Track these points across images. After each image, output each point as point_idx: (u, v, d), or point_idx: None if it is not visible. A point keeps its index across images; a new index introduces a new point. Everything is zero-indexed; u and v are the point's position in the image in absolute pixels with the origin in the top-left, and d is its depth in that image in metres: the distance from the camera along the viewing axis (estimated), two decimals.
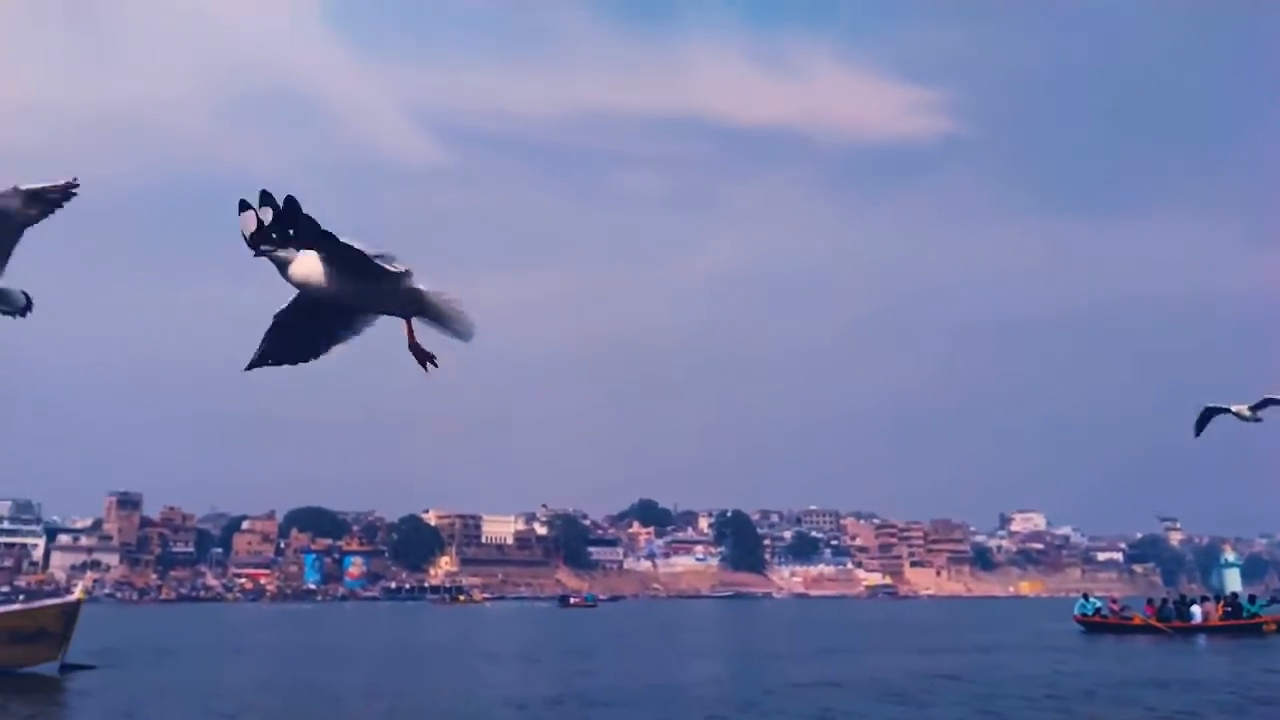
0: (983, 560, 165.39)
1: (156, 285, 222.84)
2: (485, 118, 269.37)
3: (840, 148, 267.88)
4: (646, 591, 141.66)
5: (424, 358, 4.81)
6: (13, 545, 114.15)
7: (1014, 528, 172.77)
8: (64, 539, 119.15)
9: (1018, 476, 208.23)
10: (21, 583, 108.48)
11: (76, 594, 19.09)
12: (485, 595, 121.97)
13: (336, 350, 5.35)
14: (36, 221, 5.49)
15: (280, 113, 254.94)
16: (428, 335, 4.70)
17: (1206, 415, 15.68)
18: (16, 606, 20.45)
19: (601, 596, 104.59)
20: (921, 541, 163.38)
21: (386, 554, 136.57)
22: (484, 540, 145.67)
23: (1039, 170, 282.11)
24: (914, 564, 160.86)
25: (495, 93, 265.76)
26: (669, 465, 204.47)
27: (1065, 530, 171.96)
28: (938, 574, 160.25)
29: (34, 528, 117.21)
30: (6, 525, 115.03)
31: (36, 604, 20.27)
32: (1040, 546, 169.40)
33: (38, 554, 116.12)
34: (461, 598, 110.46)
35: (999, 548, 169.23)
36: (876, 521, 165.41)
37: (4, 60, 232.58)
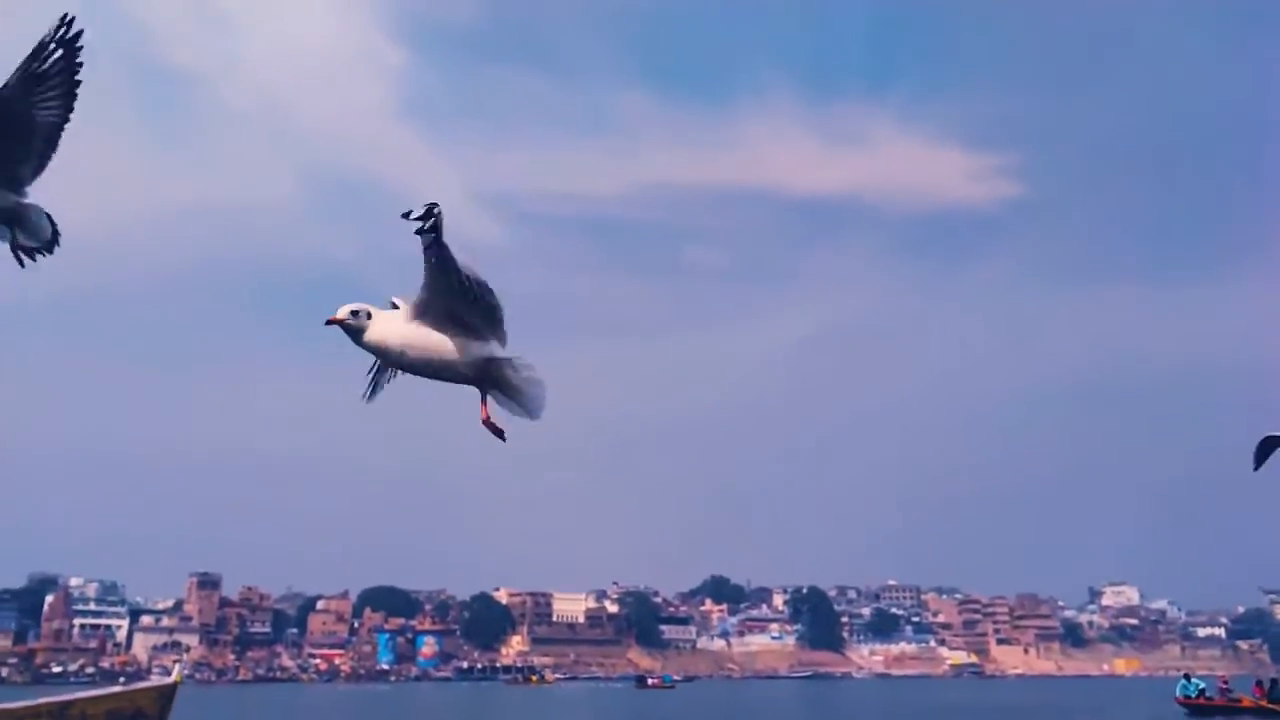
0: (1073, 637, 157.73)
1: (238, 372, 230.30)
2: (552, 198, 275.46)
3: (906, 215, 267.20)
4: (721, 671, 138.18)
5: (497, 433, 4.80)
6: (98, 627, 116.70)
7: (1105, 602, 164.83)
8: (146, 620, 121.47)
9: (1107, 548, 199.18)
10: (105, 664, 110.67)
11: (173, 677, 19.24)
12: (557, 675, 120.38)
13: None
14: (63, 120, 5.15)
15: (359, 201, 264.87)
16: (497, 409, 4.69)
17: (1267, 446, 14.31)
18: (116, 689, 20.66)
19: (676, 677, 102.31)
20: (1007, 617, 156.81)
21: (458, 633, 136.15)
22: (555, 619, 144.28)
23: (1109, 234, 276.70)
24: (1000, 641, 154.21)
25: (561, 173, 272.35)
26: (740, 540, 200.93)
27: (1161, 604, 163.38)
28: (1025, 651, 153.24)
29: (118, 609, 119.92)
30: (93, 607, 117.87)
31: (135, 686, 20.46)
32: (1135, 622, 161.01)
33: (121, 635, 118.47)
34: (534, 678, 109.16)
35: (1090, 623, 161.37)
36: (959, 597, 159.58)
37: (108, 158, 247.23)
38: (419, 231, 4.21)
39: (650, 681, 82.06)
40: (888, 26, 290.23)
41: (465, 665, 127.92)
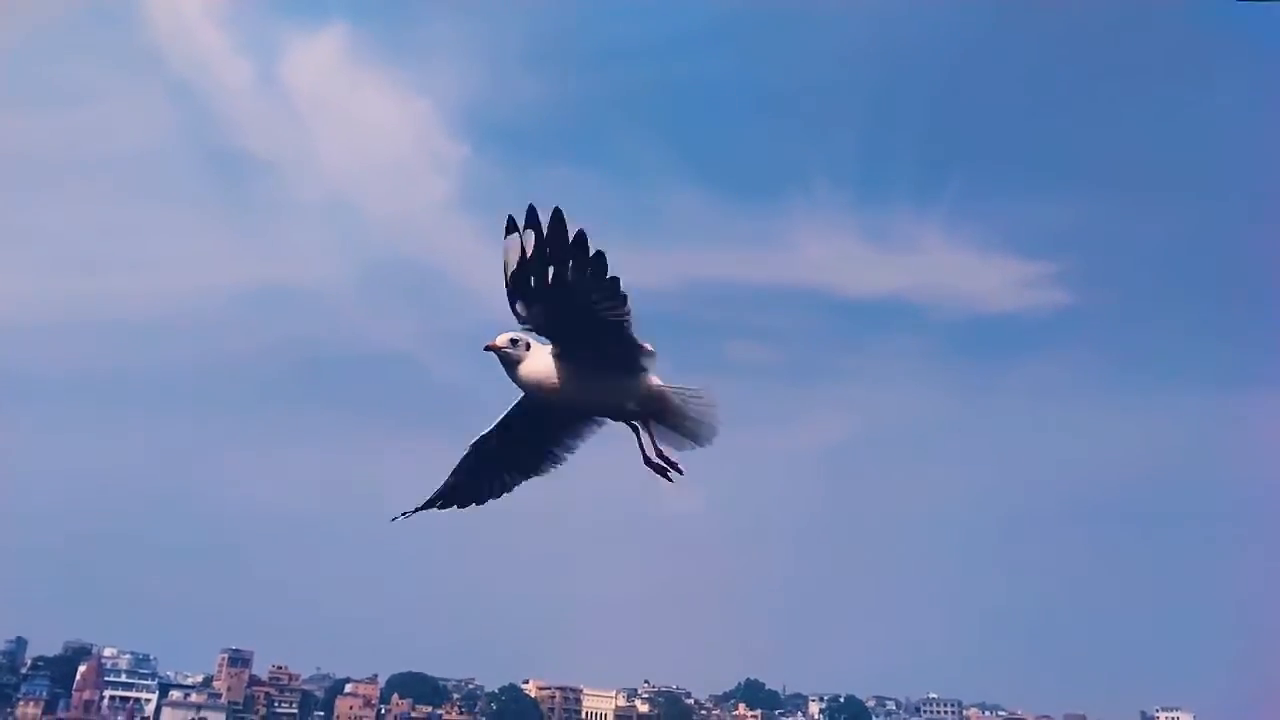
0: None
1: (285, 452, 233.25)
2: None
3: (951, 320, 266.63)
4: None
5: (665, 467, 4.57)
6: (127, 699, 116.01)
7: None
8: (175, 694, 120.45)
9: (1160, 669, 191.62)
10: None
11: None
12: None
13: (519, 484, 5.09)
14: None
15: (412, 288, 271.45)
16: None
17: None
18: None
19: None
20: None
21: None
22: (584, 715, 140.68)
23: (1161, 343, 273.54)
24: None
25: (612, 267, 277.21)
26: (777, 643, 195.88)
27: None
28: None
29: (149, 682, 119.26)
30: (124, 679, 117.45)
31: None
32: None
33: (150, 709, 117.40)
34: None
35: None
36: (1003, 714, 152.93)
37: (168, 241, 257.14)
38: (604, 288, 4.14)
39: None
40: (937, 132, 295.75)
41: None
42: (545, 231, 4.16)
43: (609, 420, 4.82)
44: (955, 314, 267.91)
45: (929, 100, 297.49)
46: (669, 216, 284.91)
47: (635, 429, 4.65)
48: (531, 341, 4.45)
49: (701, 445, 4.60)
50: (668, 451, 4.84)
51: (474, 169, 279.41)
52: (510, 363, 4.40)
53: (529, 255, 4.18)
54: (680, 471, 4.57)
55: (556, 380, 4.36)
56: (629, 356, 4.47)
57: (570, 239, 4.23)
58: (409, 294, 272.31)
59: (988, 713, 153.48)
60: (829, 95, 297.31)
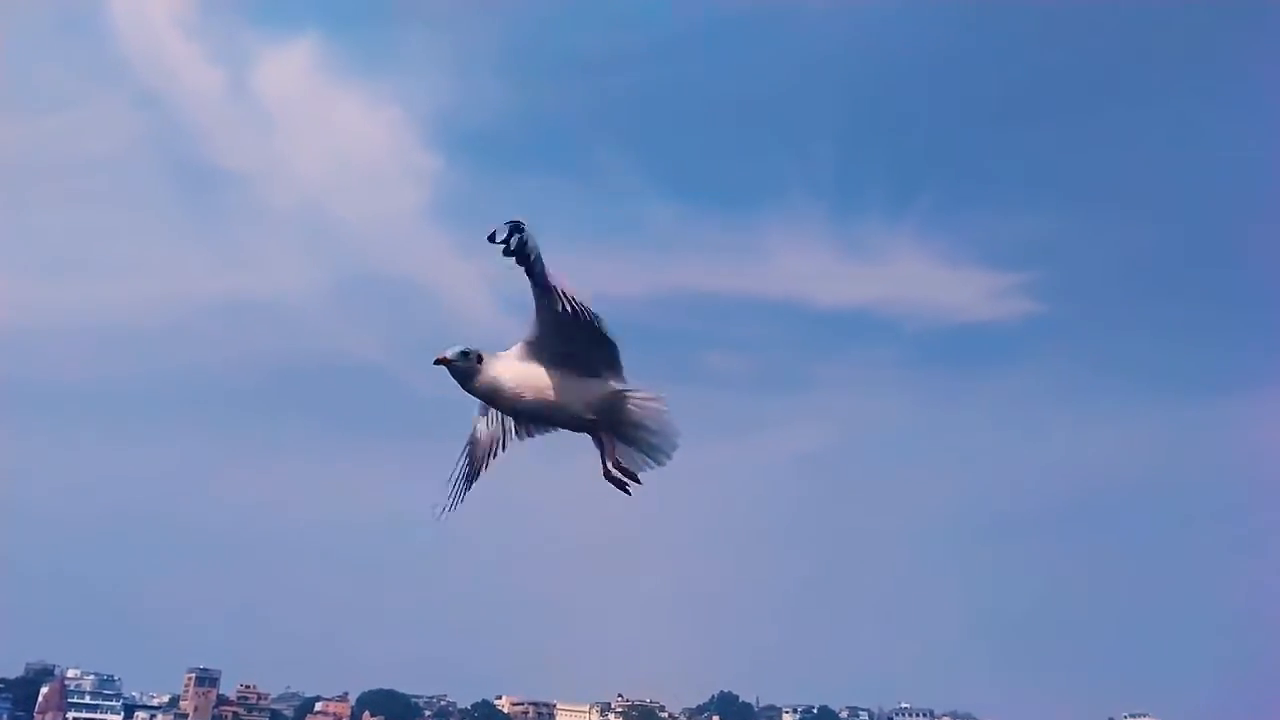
0: None
1: (253, 466, 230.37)
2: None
3: (923, 330, 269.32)
4: None
5: (625, 479, 4.45)
6: None
7: None
8: (140, 716, 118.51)
9: (1128, 675, 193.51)
10: None
11: None
12: None
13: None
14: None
15: (388, 298, 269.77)
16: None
17: None
18: None
19: None
20: None
21: None
22: None
23: (1130, 352, 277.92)
24: None
25: (584, 278, 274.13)
26: (750, 656, 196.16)
27: None
28: None
29: (113, 703, 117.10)
30: (88, 700, 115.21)
31: None
32: None
33: None
34: None
35: None
36: None
37: (141, 252, 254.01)
38: (507, 253, 4.04)
39: None
40: (910, 145, 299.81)
41: None
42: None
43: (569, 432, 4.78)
44: (927, 324, 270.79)
45: (902, 113, 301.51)
46: (643, 227, 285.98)
47: (598, 442, 4.62)
48: (483, 352, 4.42)
49: (660, 463, 4.52)
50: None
51: (447, 179, 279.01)
52: (462, 375, 4.38)
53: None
54: (639, 483, 4.51)
55: (512, 389, 4.34)
56: (597, 353, 4.45)
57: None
58: (382, 304, 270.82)
59: None
60: (804, 107, 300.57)
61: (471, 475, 5.10)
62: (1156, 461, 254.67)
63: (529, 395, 4.31)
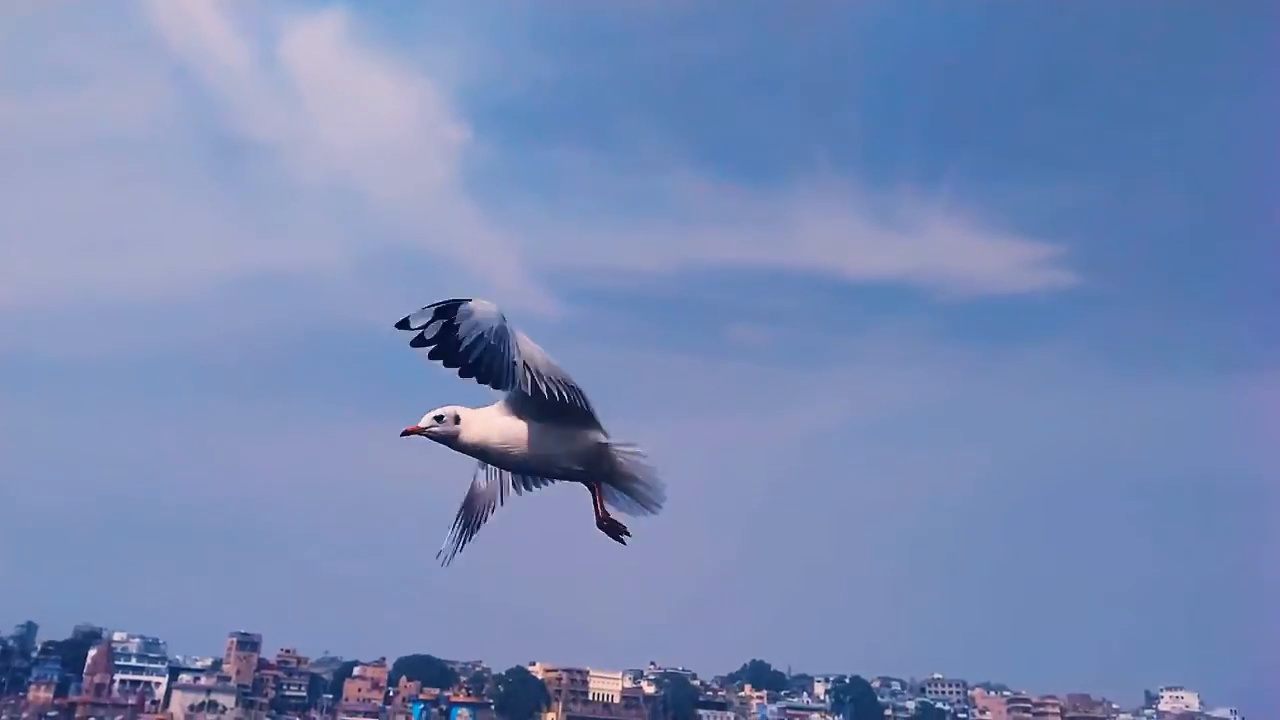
0: None
1: (289, 437, 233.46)
2: (602, 274, 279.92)
3: (956, 302, 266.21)
4: None
5: (616, 531, 4.46)
6: (138, 683, 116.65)
7: (1163, 707, 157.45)
8: (185, 678, 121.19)
9: (1165, 650, 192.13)
10: None
11: None
12: None
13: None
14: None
15: (414, 271, 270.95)
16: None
17: None
18: None
19: None
20: (1058, 717, 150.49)
21: (493, 707, 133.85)
22: (590, 697, 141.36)
23: (1166, 327, 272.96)
24: None
25: (612, 250, 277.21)
26: (782, 625, 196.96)
27: (1222, 713, 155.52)
28: None
29: (159, 666, 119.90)
30: (134, 662, 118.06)
31: None
32: None
33: (160, 692, 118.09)
34: None
35: None
36: (1008, 694, 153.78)
37: (173, 226, 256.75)
38: (414, 344, 3.86)
39: None
40: (942, 112, 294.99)
41: None
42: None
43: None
44: (958, 296, 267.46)
45: (935, 80, 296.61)
46: (670, 198, 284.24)
47: (591, 489, 4.60)
48: (460, 411, 4.35)
49: (653, 511, 4.51)
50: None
51: (475, 151, 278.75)
52: (443, 439, 4.33)
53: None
54: (629, 535, 4.49)
55: (500, 446, 4.29)
56: (576, 411, 4.36)
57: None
58: (410, 276, 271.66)
59: (992, 693, 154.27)
60: (833, 75, 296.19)
61: (471, 527, 5.15)
62: (1190, 436, 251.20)
63: (517, 451, 4.28)
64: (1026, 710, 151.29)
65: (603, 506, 4.46)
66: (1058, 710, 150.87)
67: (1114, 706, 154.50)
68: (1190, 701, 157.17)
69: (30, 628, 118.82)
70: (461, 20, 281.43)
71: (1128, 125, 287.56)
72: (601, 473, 4.45)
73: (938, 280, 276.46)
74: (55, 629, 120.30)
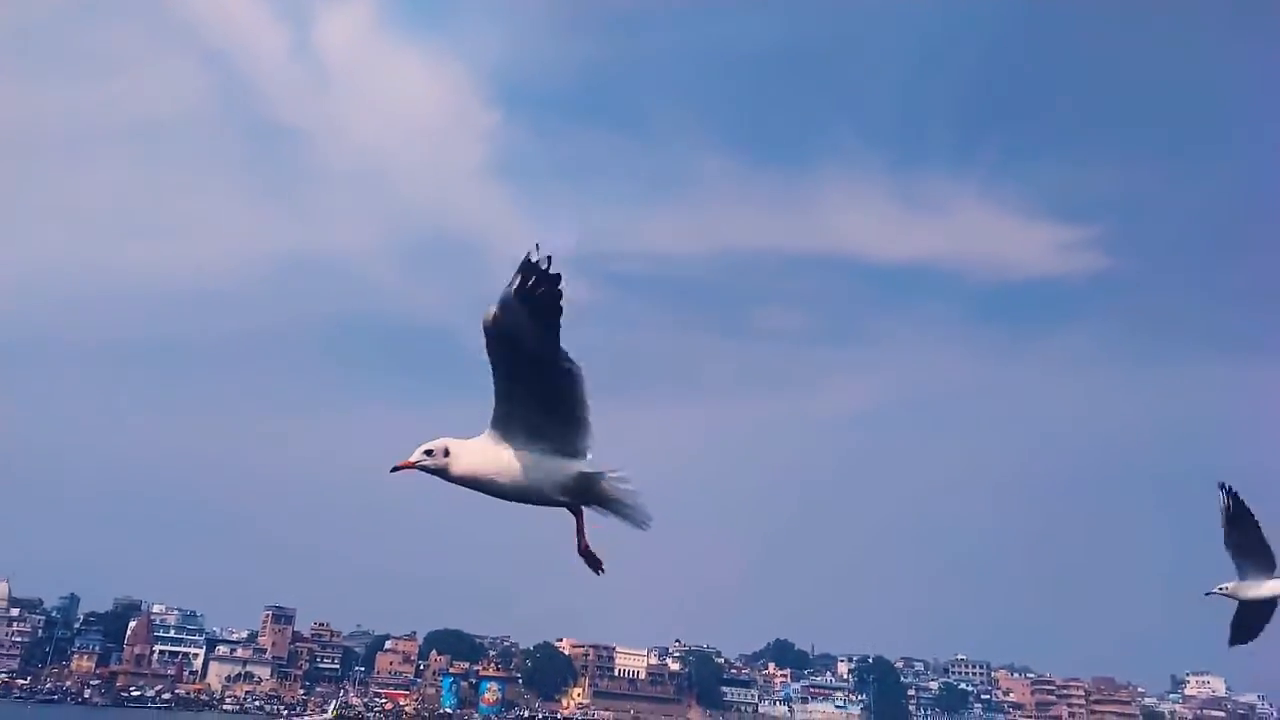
0: None
1: (323, 417, 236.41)
2: (632, 258, 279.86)
3: (985, 285, 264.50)
4: None
5: (594, 562, 4.70)
6: (176, 654, 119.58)
7: (1189, 691, 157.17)
8: (222, 650, 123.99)
9: (1191, 634, 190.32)
10: (182, 691, 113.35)
11: (330, 713, 20.34)
12: None
13: None
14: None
15: (445, 256, 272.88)
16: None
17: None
18: None
19: None
20: (1083, 700, 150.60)
21: (520, 681, 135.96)
22: (616, 673, 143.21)
23: (1198, 311, 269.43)
24: None
25: (641, 233, 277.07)
26: (806, 605, 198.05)
27: (1250, 698, 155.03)
28: None
29: (197, 638, 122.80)
30: (173, 634, 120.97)
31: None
32: (1221, 715, 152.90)
33: (198, 663, 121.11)
34: None
35: (1172, 713, 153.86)
36: (1031, 676, 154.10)
37: (202, 210, 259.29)
38: (542, 277, 4.10)
39: None
40: (973, 94, 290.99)
41: (526, 714, 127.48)
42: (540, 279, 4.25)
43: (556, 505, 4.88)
44: (989, 279, 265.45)
45: (968, 59, 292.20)
46: (698, 181, 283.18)
47: (575, 516, 4.81)
48: (450, 444, 4.57)
49: (643, 529, 4.70)
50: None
51: (505, 135, 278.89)
52: (435, 472, 4.55)
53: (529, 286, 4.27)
54: (604, 570, 4.71)
55: (488, 476, 4.52)
56: (568, 429, 4.58)
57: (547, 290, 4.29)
58: (439, 260, 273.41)
59: (1016, 675, 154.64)
60: (862, 55, 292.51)
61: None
62: (1221, 420, 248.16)
63: (504, 480, 4.50)
64: (1051, 692, 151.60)
65: (583, 535, 4.67)
66: (1082, 692, 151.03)
67: (1139, 690, 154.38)
68: (1217, 687, 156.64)
69: (73, 599, 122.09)
70: (492, 5, 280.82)
71: (1165, 107, 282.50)
72: (586, 500, 4.68)
73: (968, 263, 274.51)
74: (97, 601, 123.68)
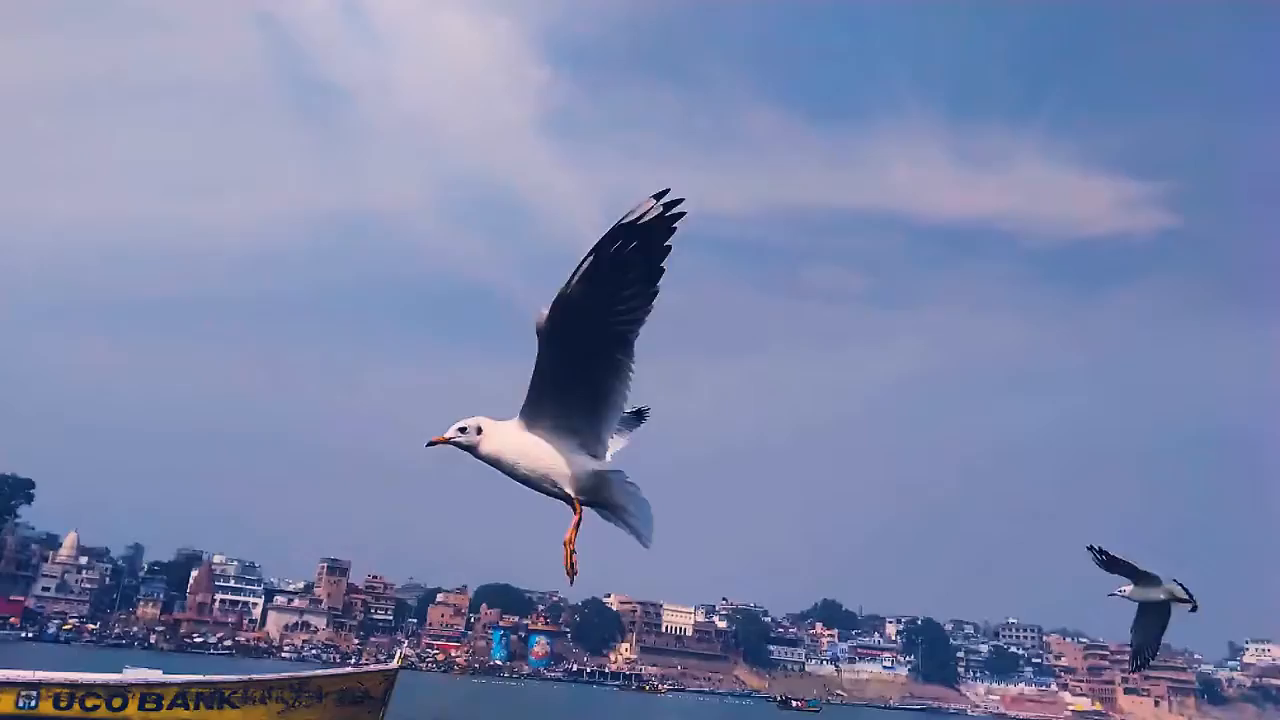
0: (1210, 694, 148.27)
1: (376, 373, 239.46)
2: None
3: (1045, 243, 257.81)
4: (830, 697, 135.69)
5: (570, 565, 4.69)
6: (237, 603, 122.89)
7: (1248, 659, 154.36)
8: (279, 600, 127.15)
9: (1251, 601, 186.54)
10: (242, 638, 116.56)
11: (395, 662, 20.19)
12: (666, 686, 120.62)
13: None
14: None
15: (496, 215, 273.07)
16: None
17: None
18: (347, 670, 21.94)
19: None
20: None
21: (569, 635, 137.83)
22: (663, 630, 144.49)
23: (1273, 268, 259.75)
24: (1128, 691, 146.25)
25: (691, 190, 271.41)
26: (855, 566, 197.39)
27: None
28: (1157, 704, 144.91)
29: (255, 588, 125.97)
30: (232, 584, 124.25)
31: (364, 669, 21.60)
32: None
33: (256, 612, 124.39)
34: (647, 688, 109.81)
35: (1230, 681, 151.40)
36: (1084, 640, 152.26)
37: (253, 168, 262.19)
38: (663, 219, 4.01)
39: (795, 704, 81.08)
40: (1035, 45, 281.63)
41: (575, 668, 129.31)
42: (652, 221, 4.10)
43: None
44: (1050, 237, 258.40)
45: (1029, 5, 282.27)
46: (750, 137, 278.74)
47: (575, 512, 4.84)
48: (484, 423, 4.65)
49: (645, 544, 4.75)
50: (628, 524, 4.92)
51: (554, 91, 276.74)
52: (465, 448, 4.66)
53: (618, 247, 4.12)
54: (576, 574, 4.71)
55: (509, 461, 4.62)
56: (596, 426, 4.66)
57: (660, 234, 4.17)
58: (488, 217, 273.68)
59: (1068, 639, 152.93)
60: (920, 3, 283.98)
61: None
62: None
63: (523, 466, 4.62)
64: (1104, 657, 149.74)
65: (574, 534, 4.66)
66: None
67: (1196, 657, 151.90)
68: (1277, 655, 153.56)
69: (137, 549, 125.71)
70: None
71: (1237, 54, 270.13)
72: (595, 500, 4.71)
73: (1026, 221, 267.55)
74: (160, 551, 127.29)
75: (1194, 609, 12.14)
